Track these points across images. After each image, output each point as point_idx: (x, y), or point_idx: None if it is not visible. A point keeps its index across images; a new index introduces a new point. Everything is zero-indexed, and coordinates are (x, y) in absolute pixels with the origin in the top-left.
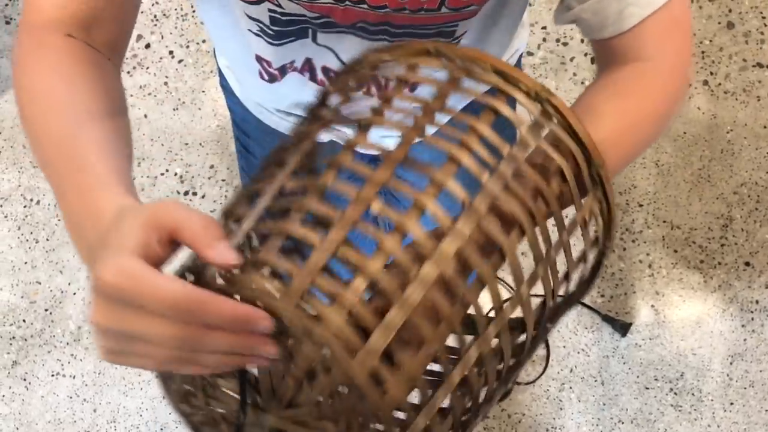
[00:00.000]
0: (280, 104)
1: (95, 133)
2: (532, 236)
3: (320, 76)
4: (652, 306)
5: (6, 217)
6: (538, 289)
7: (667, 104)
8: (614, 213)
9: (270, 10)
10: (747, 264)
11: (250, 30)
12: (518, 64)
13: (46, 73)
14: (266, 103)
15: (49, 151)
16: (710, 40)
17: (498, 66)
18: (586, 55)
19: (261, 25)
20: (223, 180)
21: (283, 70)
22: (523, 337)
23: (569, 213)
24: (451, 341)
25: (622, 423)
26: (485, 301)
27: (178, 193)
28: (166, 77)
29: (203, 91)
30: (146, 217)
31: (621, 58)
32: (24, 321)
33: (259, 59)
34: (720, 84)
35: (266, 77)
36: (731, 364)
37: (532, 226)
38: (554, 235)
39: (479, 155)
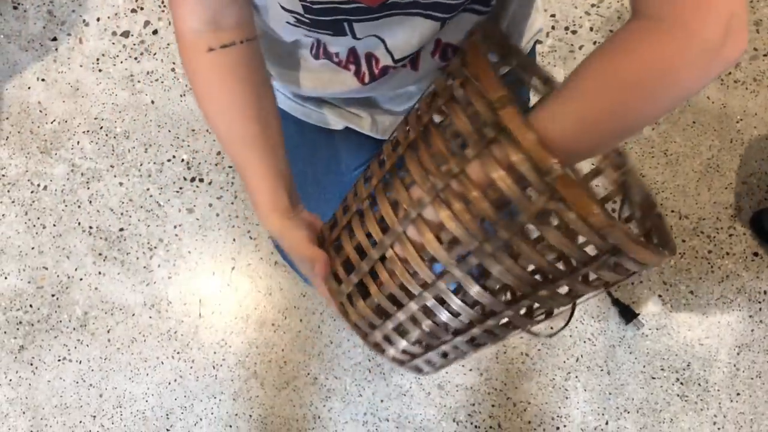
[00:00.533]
0: (304, 88)
1: (254, 161)
2: None
3: (364, 68)
4: (660, 296)
5: (13, 202)
6: None
7: (672, 73)
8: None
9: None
10: (755, 254)
11: (288, 23)
12: (533, 50)
13: (207, 101)
14: (286, 87)
15: (226, 147)
16: None
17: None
18: (594, 43)
19: (296, 15)
20: (230, 167)
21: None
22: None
23: None
24: None
25: (628, 412)
26: None
27: (185, 179)
28: (174, 63)
29: None
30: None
31: (635, 12)
32: (31, 306)
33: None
34: (730, 73)
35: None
36: (738, 354)
37: None
38: None
39: None
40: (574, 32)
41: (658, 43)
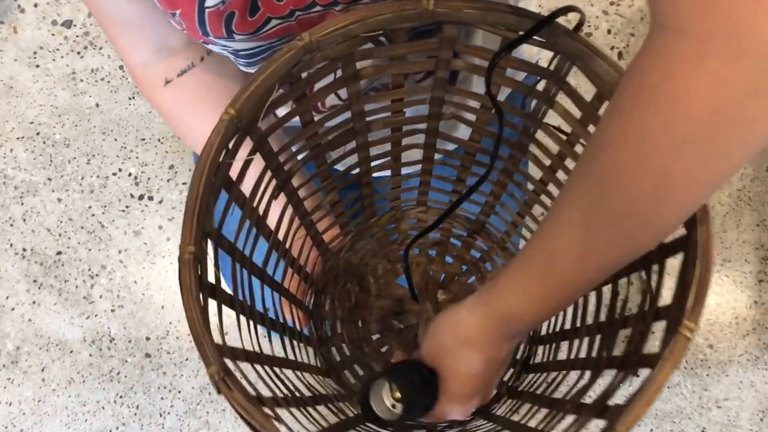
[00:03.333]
0: None
1: None
2: None
3: None
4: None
5: None
6: None
7: (737, 111)
8: None
9: (224, 46)
10: None
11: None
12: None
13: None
14: None
15: None
16: None
17: None
18: (612, 48)
19: (229, 53)
20: (184, 183)
21: None
22: None
23: None
24: None
25: None
26: None
27: (132, 196)
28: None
29: None
30: None
31: (652, 22)
32: None
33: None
34: None
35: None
36: (762, 420)
37: None
38: None
39: None
40: (588, 35)
41: (699, 73)
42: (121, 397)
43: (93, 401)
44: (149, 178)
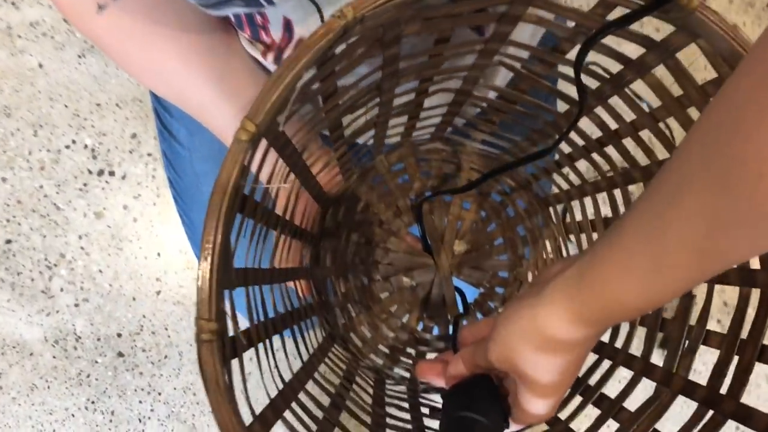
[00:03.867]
0: None
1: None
2: None
3: (264, 37)
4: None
5: None
6: None
7: None
8: None
9: None
10: None
11: None
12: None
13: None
14: None
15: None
16: None
17: None
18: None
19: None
20: (149, 155)
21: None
22: None
23: None
24: None
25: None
26: None
27: (90, 172)
28: None
29: None
30: None
31: None
32: None
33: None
34: None
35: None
36: None
37: None
38: None
39: None
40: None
41: None
42: (93, 402)
43: (61, 409)
44: (108, 150)
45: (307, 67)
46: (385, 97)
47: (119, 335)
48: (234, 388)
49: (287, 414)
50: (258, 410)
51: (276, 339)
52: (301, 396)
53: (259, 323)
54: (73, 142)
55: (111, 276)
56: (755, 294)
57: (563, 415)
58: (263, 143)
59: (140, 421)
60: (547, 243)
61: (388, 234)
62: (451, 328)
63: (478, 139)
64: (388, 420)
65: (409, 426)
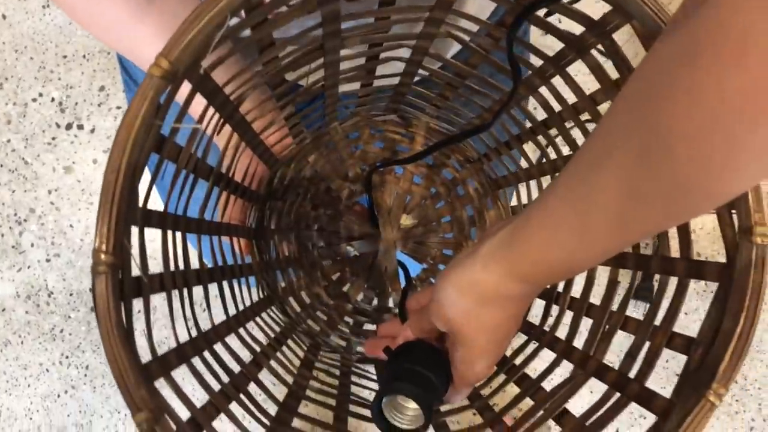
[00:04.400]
0: None
1: None
2: None
3: None
4: (698, 254)
5: None
6: None
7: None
8: None
9: None
10: None
11: None
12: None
13: None
14: None
15: None
16: None
17: None
18: None
19: None
20: (118, 108)
21: None
22: None
23: None
24: None
25: (644, 418)
26: None
27: (58, 126)
28: None
29: None
30: None
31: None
32: None
33: None
34: None
35: None
36: None
37: None
38: None
39: None
40: None
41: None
42: (67, 357)
43: (35, 364)
44: (76, 103)
45: (230, 9)
46: (330, 58)
47: (92, 290)
48: (133, 328)
49: (196, 362)
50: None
51: (200, 292)
52: (218, 348)
53: (177, 270)
54: (40, 95)
55: (82, 231)
56: (673, 283)
57: (485, 392)
58: (187, 86)
59: None
60: None
61: (336, 201)
62: (398, 299)
63: (432, 115)
64: (312, 383)
65: (334, 391)
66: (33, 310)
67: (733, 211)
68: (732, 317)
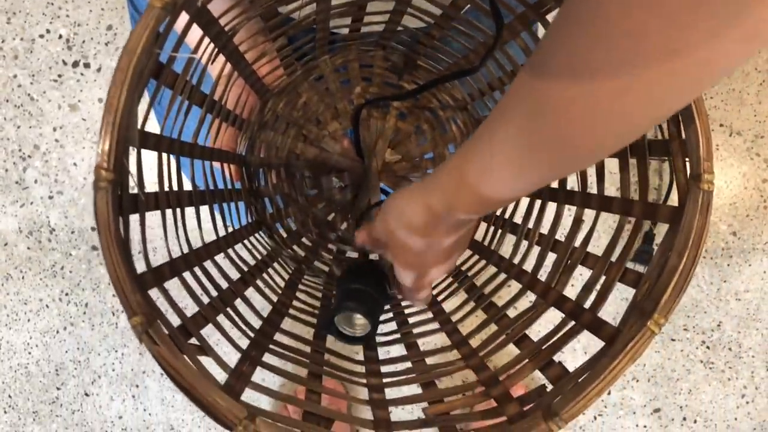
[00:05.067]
0: None
1: None
2: None
3: None
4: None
5: None
6: None
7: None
8: None
9: None
10: None
11: None
12: None
13: None
14: None
15: None
16: None
17: None
18: None
19: None
20: None
21: None
22: None
23: None
24: None
25: (637, 381)
26: None
27: (65, 63)
28: None
29: None
30: None
31: None
32: None
33: None
34: None
35: None
36: None
37: None
38: None
39: None
40: None
41: None
42: (66, 294)
43: (35, 299)
44: (84, 41)
45: None
46: None
47: (93, 229)
48: (130, 240)
49: (187, 276)
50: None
51: (193, 213)
52: (208, 265)
53: (171, 191)
54: (48, 31)
55: (85, 169)
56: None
57: (455, 317)
58: (184, 17)
59: (113, 314)
60: None
61: (324, 134)
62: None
63: (420, 52)
64: (295, 302)
65: (315, 311)
66: (35, 246)
67: (687, 159)
68: (677, 255)
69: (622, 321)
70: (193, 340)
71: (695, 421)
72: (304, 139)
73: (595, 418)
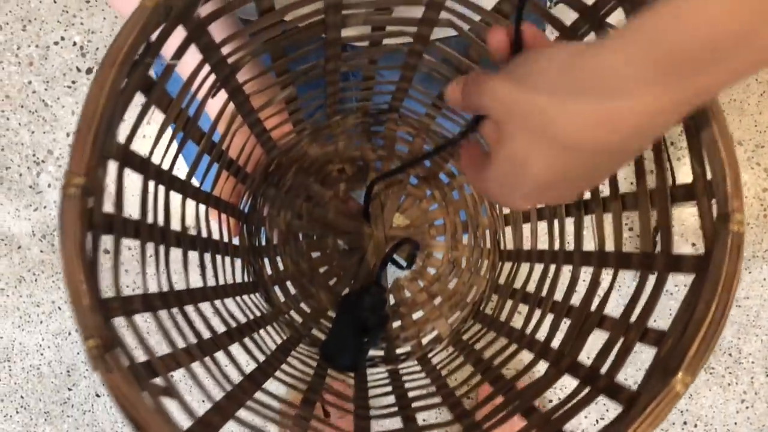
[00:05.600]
0: None
1: None
2: None
3: None
4: (693, 244)
5: None
6: None
7: None
8: None
9: None
10: None
11: None
12: None
13: None
14: None
15: None
16: None
17: None
18: None
19: None
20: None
21: None
22: None
23: None
24: None
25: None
26: None
27: (78, 70)
28: None
29: None
30: None
31: None
32: None
33: None
34: None
35: None
36: None
37: None
38: None
39: None
40: None
41: None
42: None
43: (47, 301)
44: (97, 49)
45: None
46: (331, 35)
47: None
48: (98, 261)
49: (163, 314)
50: None
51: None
52: (190, 310)
53: (156, 224)
54: (62, 38)
55: None
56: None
57: (459, 393)
58: (180, 32)
59: None
60: (486, 232)
61: (330, 195)
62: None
63: (432, 116)
64: (285, 367)
65: (308, 378)
66: (47, 250)
67: (714, 200)
68: (704, 306)
69: (643, 382)
70: (159, 381)
71: (695, 426)
72: (309, 199)
73: (597, 421)
